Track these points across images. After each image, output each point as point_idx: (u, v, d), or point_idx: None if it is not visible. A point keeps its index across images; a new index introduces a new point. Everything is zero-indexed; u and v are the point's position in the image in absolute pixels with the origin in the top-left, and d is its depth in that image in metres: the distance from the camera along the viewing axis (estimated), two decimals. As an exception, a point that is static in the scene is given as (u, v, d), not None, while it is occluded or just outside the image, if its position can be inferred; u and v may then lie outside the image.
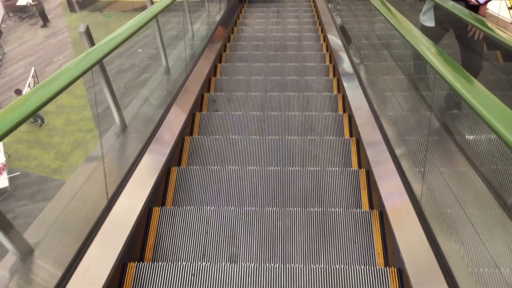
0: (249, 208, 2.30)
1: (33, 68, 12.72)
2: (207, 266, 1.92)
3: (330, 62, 4.86)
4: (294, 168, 2.67)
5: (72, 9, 17.45)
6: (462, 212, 1.82)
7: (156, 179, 2.38)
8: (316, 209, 2.30)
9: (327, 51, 5.33)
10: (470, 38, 2.80)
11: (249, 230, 2.22)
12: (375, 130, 2.78)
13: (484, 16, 2.95)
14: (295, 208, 2.31)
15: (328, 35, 5.39)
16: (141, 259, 2.12)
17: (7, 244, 1.51)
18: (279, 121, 3.39)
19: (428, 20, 3.11)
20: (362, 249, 2.13)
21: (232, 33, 6.27)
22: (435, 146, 2.22)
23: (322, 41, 5.78)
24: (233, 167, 2.69)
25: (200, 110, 3.71)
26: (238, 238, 2.19)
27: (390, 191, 2.25)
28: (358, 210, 2.29)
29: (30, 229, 1.74)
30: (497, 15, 4.55)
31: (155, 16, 2.88)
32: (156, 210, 2.30)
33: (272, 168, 2.68)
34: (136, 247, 2.10)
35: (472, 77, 1.47)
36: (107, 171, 2.09)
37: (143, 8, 2.84)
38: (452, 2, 2.64)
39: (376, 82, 3.37)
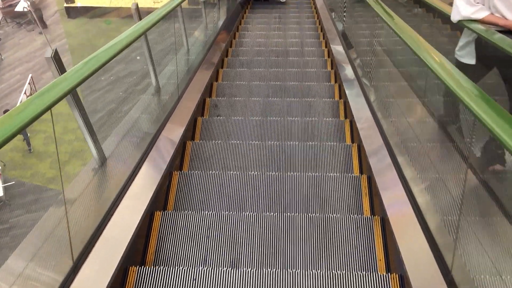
0: (250, 213, 2.31)
1: (30, 75, 12.70)
2: (208, 270, 1.92)
3: (332, 68, 4.88)
4: (294, 173, 2.68)
5: (70, 15, 17.33)
6: (464, 220, 1.82)
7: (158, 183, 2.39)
8: (318, 215, 2.30)
9: (329, 58, 5.35)
10: None
11: (250, 235, 2.22)
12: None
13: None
14: (297, 214, 2.31)
15: (331, 45, 5.39)
16: (142, 263, 2.12)
17: None
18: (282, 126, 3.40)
19: (467, 56, 2.57)
20: (363, 255, 2.13)
21: (234, 38, 6.30)
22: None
23: (323, 47, 5.81)
24: (234, 172, 2.69)
25: (202, 115, 3.72)
26: (240, 242, 2.19)
27: (392, 197, 2.25)
28: (359, 216, 2.29)
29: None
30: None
31: (143, 34, 2.57)
32: (158, 214, 2.30)
33: (272, 173, 2.68)
34: (137, 251, 2.10)
35: None
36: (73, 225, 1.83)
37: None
38: (500, 35, 2.19)
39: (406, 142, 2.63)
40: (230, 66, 5.09)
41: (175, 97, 3.34)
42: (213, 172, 2.71)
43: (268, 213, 2.30)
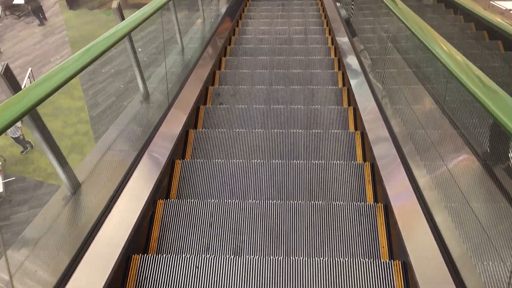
0: (254, 201, 2.31)
1: (29, 69, 12.63)
2: (211, 258, 1.93)
3: (335, 56, 4.83)
4: (299, 161, 2.67)
5: (70, 6, 17.11)
6: (467, 206, 1.81)
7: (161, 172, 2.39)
8: (321, 202, 2.30)
9: (332, 46, 5.29)
10: None
11: (254, 223, 2.22)
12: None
13: None
14: (300, 201, 2.30)
15: (335, 33, 5.32)
16: (145, 251, 2.13)
17: None
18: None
19: None
20: (366, 242, 2.13)
21: (237, 26, 6.25)
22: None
23: (327, 35, 5.75)
24: (238, 161, 2.69)
25: (205, 104, 3.71)
26: (243, 231, 2.20)
27: (396, 184, 2.24)
28: (363, 203, 2.29)
29: None
30: None
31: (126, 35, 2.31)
32: (161, 203, 2.31)
33: (277, 161, 2.68)
34: (140, 239, 2.12)
35: None
36: None
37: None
38: None
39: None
40: (233, 54, 5.06)
41: (176, 87, 3.32)
42: (218, 160, 2.71)
43: (271, 201, 2.30)
